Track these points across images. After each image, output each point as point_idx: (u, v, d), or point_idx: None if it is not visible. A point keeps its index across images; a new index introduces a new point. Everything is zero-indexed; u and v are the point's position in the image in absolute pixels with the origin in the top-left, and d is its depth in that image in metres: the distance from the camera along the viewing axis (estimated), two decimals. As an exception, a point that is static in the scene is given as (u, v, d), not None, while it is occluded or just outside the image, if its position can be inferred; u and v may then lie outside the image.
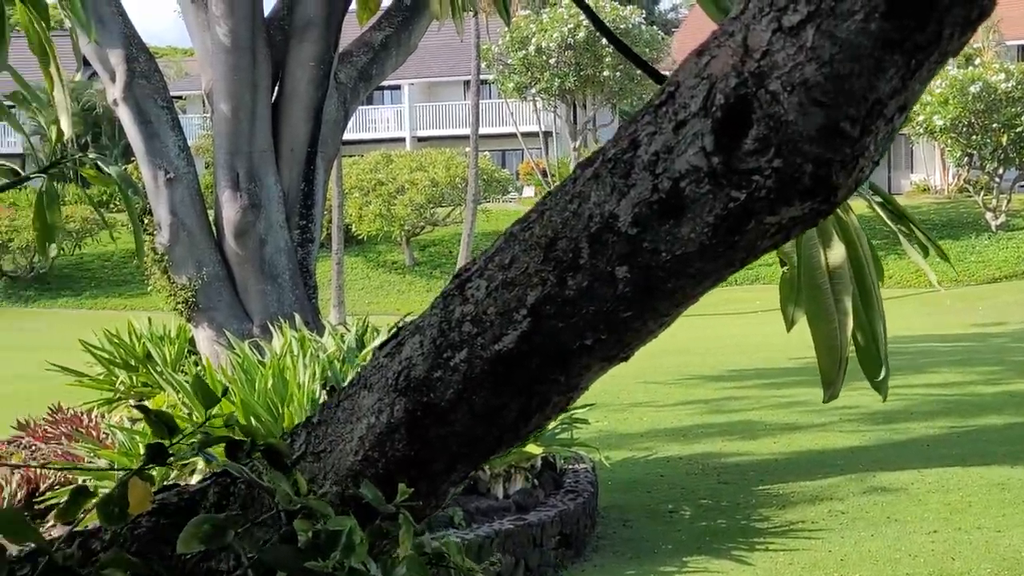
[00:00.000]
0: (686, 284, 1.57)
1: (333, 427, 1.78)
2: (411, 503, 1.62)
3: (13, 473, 9.65)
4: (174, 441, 1.70)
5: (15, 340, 26.34)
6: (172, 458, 1.69)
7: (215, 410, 1.84)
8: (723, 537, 8.67)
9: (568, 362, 1.64)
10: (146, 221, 11.42)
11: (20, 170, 3.56)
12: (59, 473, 8.71)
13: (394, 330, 1.87)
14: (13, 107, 4.13)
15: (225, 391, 7.23)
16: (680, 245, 1.52)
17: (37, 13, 3.37)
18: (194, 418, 6.69)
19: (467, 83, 40.61)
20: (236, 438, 1.66)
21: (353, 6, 6.05)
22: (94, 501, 1.65)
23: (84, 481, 7.65)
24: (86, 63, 11.98)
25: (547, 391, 1.69)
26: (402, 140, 47.98)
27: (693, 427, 13.48)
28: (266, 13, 11.50)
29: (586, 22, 34.95)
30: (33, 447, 10.47)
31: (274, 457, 1.65)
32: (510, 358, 1.62)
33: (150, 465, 1.66)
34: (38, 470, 9.00)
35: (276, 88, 11.50)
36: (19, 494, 8.29)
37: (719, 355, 20.11)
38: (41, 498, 8.24)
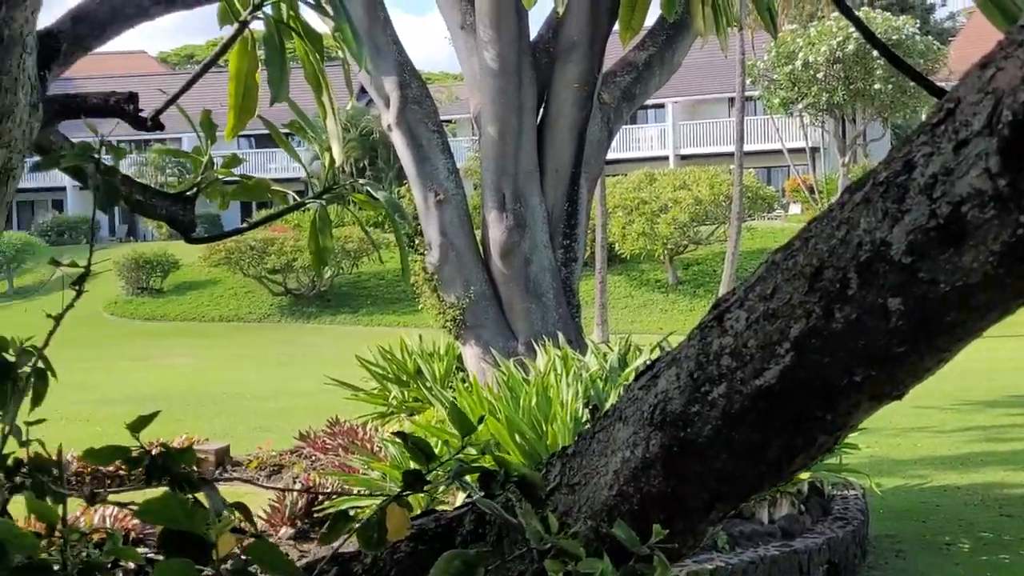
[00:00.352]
0: (968, 318, 1.44)
1: (588, 459, 1.74)
2: (666, 544, 1.56)
3: (295, 481, 10.19)
4: (431, 468, 1.71)
5: (298, 355, 27.86)
6: (429, 485, 1.70)
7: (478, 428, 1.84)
8: (1006, 574, 8.11)
9: (835, 399, 1.54)
10: (417, 242, 11.84)
11: (298, 196, 3.73)
12: (337, 482, 9.13)
13: (650, 361, 1.81)
14: (292, 136, 4.34)
15: (481, 420, 7.37)
16: (961, 275, 1.40)
17: (312, 45, 3.52)
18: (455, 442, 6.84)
19: (731, 100, 40.03)
20: (490, 468, 1.65)
21: (616, 27, 6.03)
22: (354, 525, 1.68)
23: (358, 492, 7.96)
24: (361, 90, 12.52)
25: (812, 429, 1.59)
26: (665, 159, 47.85)
27: (972, 455, 12.72)
28: (531, 36, 11.70)
29: (856, 34, 33.78)
30: (313, 457, 11.03)
31: (527, 489, 1.63)
32: (772, 394, 1.54)
33: (408, 492, 1.67)
34: (316, 479, 9.46)
35: (541, 110, 11.67)
36: (300, 503, 8.73)
37: (999, 379, 18.88)
38: (320, 507, 8.64)
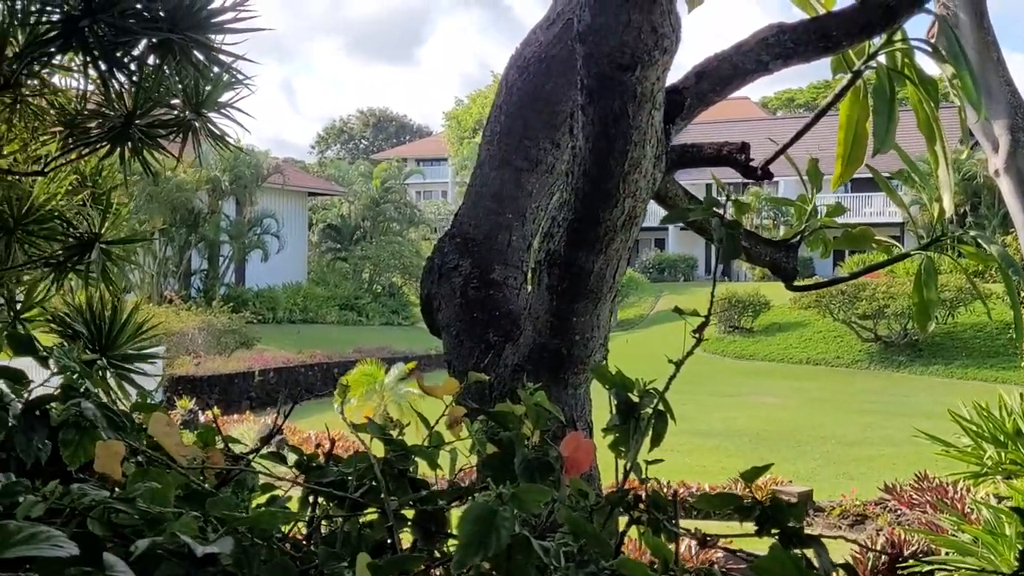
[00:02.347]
0: None
1: None
2: None
3: (878, 534, 9.89)
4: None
5: (884, 403, 27.03)
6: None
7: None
8: None
9: None
10: (1024, 294, 11.00)
11: (898, 241, 3.65)
12: (922, 541, 8.73)
13: None
14: (895, 181, 4.24)
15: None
16: None
17: (926, 92, 3.43)
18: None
19: None
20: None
21: None
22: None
23: (946, 553, 7.55)
24: (970, 135, 11.91)
25: None
26: None
27: None
28: None
29: None
30: (897, 511, 10.64)
31: None
32: None
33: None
34: (902, 535, 9.10)
35: None
36: (883, 559, 8.46)
37: None
38: (904, 565, 8.31)
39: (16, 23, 4.96)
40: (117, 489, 1.54)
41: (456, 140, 69.24)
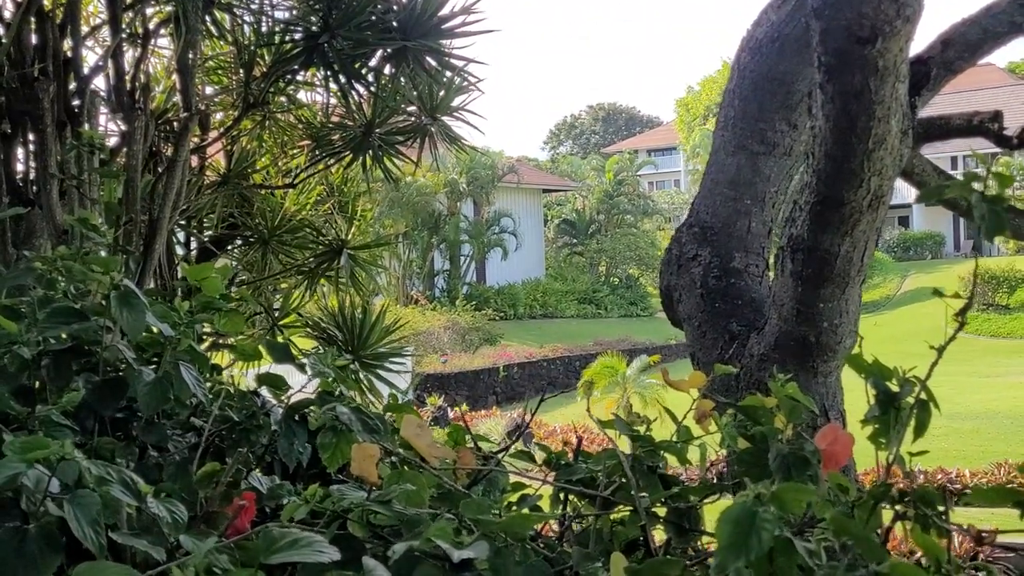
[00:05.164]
0: None
1: None
2: None
3: None
4: None
5: None
6: None
7: None
8: None
9: None
10: None
11: None
12: None
13: None
14: None
15: None
16: None
17: None
18: None
19: None
20: None
21: None
22: None
23: None
24: None
25: None
26: None
27: None
28: None
29: None
30: None
31: None
32: None
33: None
34: None
35: None
36: None
37: None
38: None
39: (262, 44, 5.23)
40: (374, 490, 1.58)
41: (686, 128, 68.56)
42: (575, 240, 51.29)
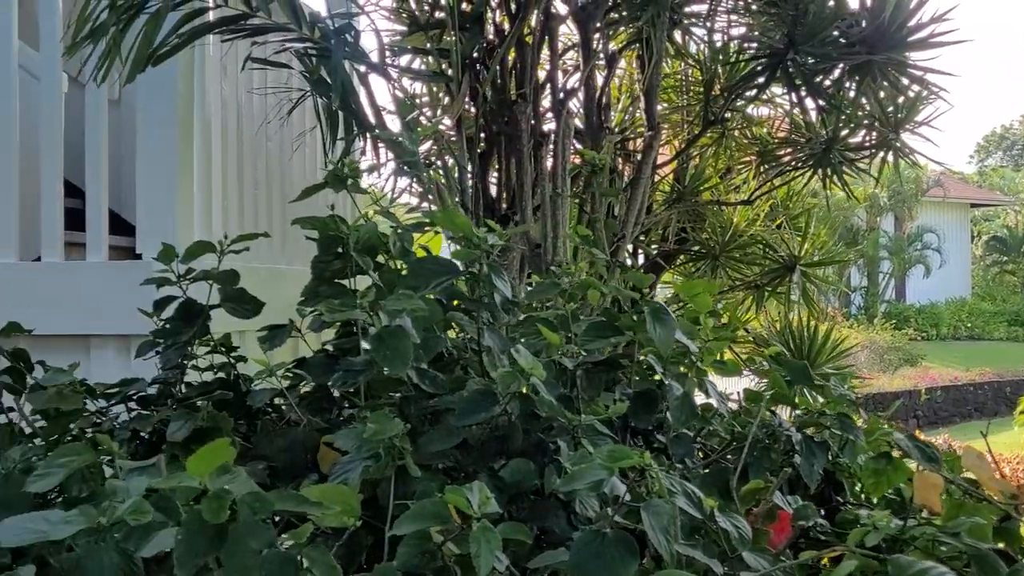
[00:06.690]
0: None
1: None
2: None
3: None
4: None
5: None
6: None
7: None
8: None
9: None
10: None
11: None
12: None
13: None
14: None
15: None
16: None
17: None
18: None
19: None
20: None
21: None
22: None
23: None
24: None
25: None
26: None
27: None
28: None
29: None
30: None
31: None
32: None
33: None
34: None
35: None
36: None
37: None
38: None
39: (724, 63, 5.29)
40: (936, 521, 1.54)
41: None
42: (1006, 258, 47.78)
